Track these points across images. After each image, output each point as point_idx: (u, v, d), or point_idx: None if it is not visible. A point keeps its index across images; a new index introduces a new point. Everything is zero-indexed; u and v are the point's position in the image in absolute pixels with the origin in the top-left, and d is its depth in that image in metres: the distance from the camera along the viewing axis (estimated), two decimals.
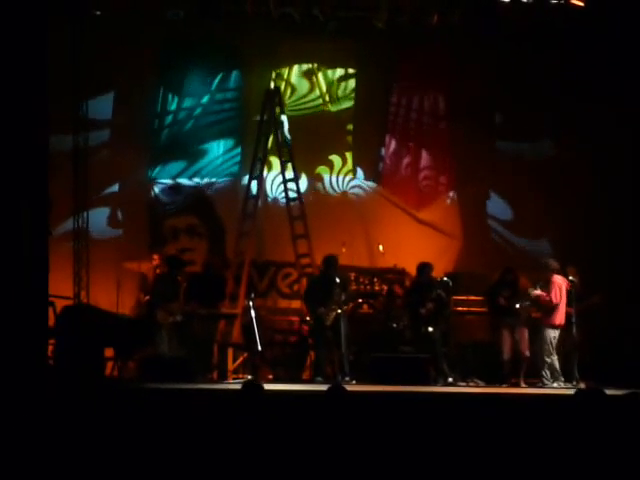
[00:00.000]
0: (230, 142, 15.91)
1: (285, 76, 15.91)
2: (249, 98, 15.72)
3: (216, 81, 15.86)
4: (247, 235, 14.71)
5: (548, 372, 12.73)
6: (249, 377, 13.34)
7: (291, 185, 14.90)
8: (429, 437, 7.09)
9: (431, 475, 6.71)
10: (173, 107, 15.84)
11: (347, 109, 16.07)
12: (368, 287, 14.64)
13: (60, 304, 13.18)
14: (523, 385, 12.86)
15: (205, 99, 15.84)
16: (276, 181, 15.60)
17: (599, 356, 13.26)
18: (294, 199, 14.84)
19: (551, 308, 12.83)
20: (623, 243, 14.50)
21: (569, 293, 12.91)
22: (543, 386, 12.69)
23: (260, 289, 15.32)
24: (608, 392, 7.09)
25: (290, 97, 15.84)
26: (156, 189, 15.68)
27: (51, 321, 12.65)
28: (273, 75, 15.78)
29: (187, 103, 15.81)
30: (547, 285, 12.90)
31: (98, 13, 14.40)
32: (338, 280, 13.06)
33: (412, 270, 14.01)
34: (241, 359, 14.07)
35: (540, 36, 14.57)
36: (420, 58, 15.74)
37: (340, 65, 16.00)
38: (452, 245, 15.82)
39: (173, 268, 13.60)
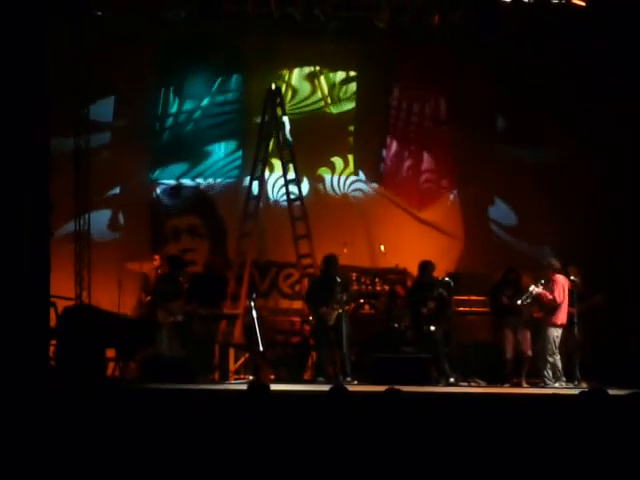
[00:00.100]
0: (231, 144, 15.90)
1: (286, 78, 15.91)
2: (250, 100, 15.71)
3: (217, 83, 15.85)
4: (248, 235, 14.71)
5: (550, 372, 12.72)
6: (250, 377, 13.35)
7: (292, 186, 14.90)
8: (430, 437, 7.08)
9: (433, 475, 6.70)
10: (174, 109, 15.83)
11: (349, 111, 16.06)
12: (370, 287, 14.63)
13: (61, 304, 13.19)
14: (525, 385, 12.86)
15: (206, 101, 15.82)
16: (277, 183, 15.60)
17: (601, 356, 13.25)
18: (295, 200, 14.84)
19: (554, 307, 12.83)
20: (624, 243, 14.48)
21: (571, 293, 12.92)
22: (545, 386, 12.68)
23: (261, 289, 15.32)
24: (610, 392, 7.09)
25: (291, 99, 15.83)
26: (158, 190, 15.68)
27: (52, 321, 12.65)
28: (274, 76, 15.79)
29: (188, 105, 15.80)
30: (548, 283, 12.90)
31: (99, 13, 14.39)
32: (339, 279, 13.07)
33: (414, 270, 14.00)
34: (242, 359, 14.07)
35: (541, 36, 14.56)
36: (421, 59, 15.72)
37: (341, 66, 15.99)
38: (453, 245, 15.81)
39: (174, 268, 13.60)
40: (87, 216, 14.18)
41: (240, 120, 15.90)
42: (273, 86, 15.09)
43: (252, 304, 13.37)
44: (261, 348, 13.05)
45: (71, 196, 13.96)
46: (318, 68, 15.99)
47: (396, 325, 13.78)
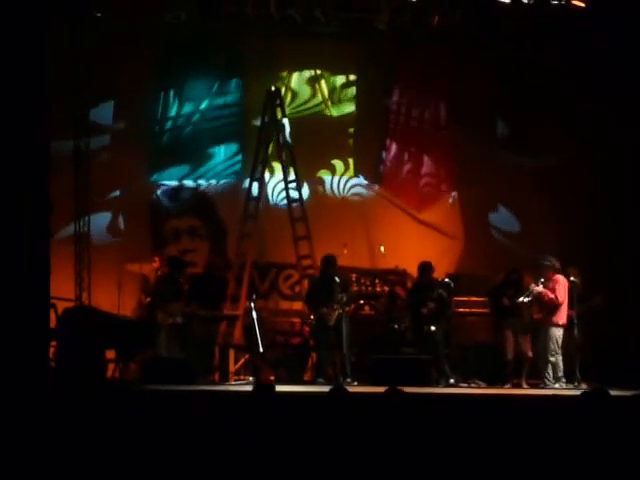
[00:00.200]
0: (232, 147, 15.89)
1: (286, 81, 15.89)
2: (250, 102, 15.71)
3: (217, 85, 15.84)
4: (248, 236, 14.71)
5: (551, 372, 12.71)
6: (250, 378, 13.35)
7: (292, 187, 14.90)
8: (431, 438, 7.07)
9: (434, 476, 6.70)
10: (174, 111, 15.82)
11: (349, 114, 16.06)
12: (369, 288, 14.63)
13: (61, 306, 13.18)
14: (525, 386, 12.86)
15: (206, 103, 15.80)
16: (277, 187, 15.60)
17: (601, 357, 13.25)
18: (295, 201, 14.84)
19: (555, 307, 12.82)
20: (624, 244, 14.47)
21: (570, 294, 12.91)
22: (545, 387, 12.67)
23: (261, 290, 15.32)
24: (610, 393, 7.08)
25: (291, 102, 15.82)
26: (158, 191, 15.67)
27: (52, 323, 12.65)
28: (273, 74, 15.77)
29: (188, 107, 15.79)
30: (548, 283, 12.90)
31: (99, 15, 14.38)
32: (338, 280, 13.08)
33: (413, 271, 13.99)
34: (242, 361, 14.08)
35: (541, 37, 14.56)
36: (421, 60, 15.75)
37: (341, 68, 15.98)
38: (453, 246, 15.81)
39: (174, 269, 13.60)
40: (87, 218, 14.18)
41: (240, 123, 15.89)
42: (273, 88, 15.10)
43: (252, 305, 13.37)
44: (261, 349, 13.05)
45: (71, 198, 13.96)
46: (319, 72, 15.98)
47: (396, 326, 13.78)
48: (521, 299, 12.85)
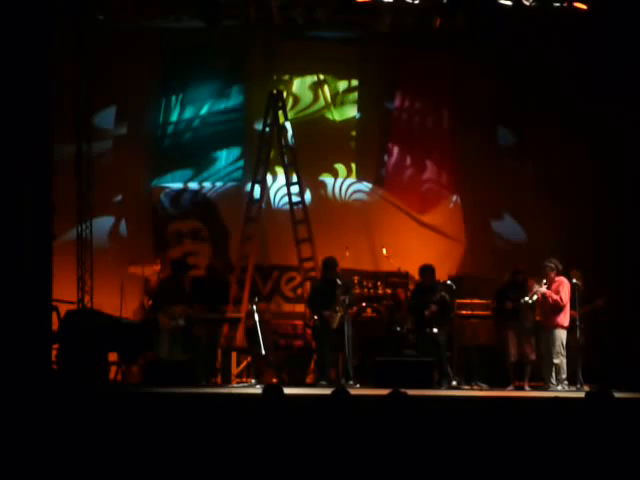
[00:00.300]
0: (234, 151, 15.88)
1: (288, 85, 15.88)
2: (252, 106, 15.72)
3: (219, 90, 15.84)
4: (250, 239, 14.72)
5: (555, 375, 12.71)
6: (253, 381, 13.36)
7: (294, 190, 14.91)
8: (433, 441, 7.07)
9: (436, 479, 6.69)
10: (176, 115, 15.82)
11: (352, 118, 16.06)
12: (372, 291, 14.62)
13: (64, 308, 13.18)
14: (527, 388, 12.86)
15: (208, 107, 15.81)
16: (280, 192, 15.60)
17: (603, 359, 13.24)
18: (297, 203, 14.85)
19: (560, 308, 12.82)
20: (626, 246, 14.44)
21: (573, 296, 12.91)
22: (548, 389, 12.67)
23: (264, 293, 15.32)
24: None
25: (294, 106, 15.81)
26: (160, 195, 15.67)
27: (55, 325, 12.66)
28: (275, 79, 15.77)
29: (190, 112, 15.80)
30: (551, 285, 12.90)
31: (101, 17, 14.36)
32: (340, 282, 13.07)
33: (416, 273, 13.97)
34: (245, 363, 14.10)
35: (543, 40, 14.54)
36: (422, 63, 15.77)
37: (343, 71, 15.99)
38: (455, 248, 15.82)
39: (177, 272, 13.61)
40: (89, 222, 14.14)
41: (242, 127, 15.88)
42: (275, 90, 15.11)
43: (254, 308, 13.38)
44: (263, 352, 13.07)
45: (74, 202, 13.94)
46: (322, 77, 15.98)
47: (398, 328, 13.78)
48: (526, 299, 12.84)
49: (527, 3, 13.28)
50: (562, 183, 15.09)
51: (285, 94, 15.38)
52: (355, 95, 16.04)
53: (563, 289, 12.85)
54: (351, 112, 16.07)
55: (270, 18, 14.08)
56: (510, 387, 12.83)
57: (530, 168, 15.70)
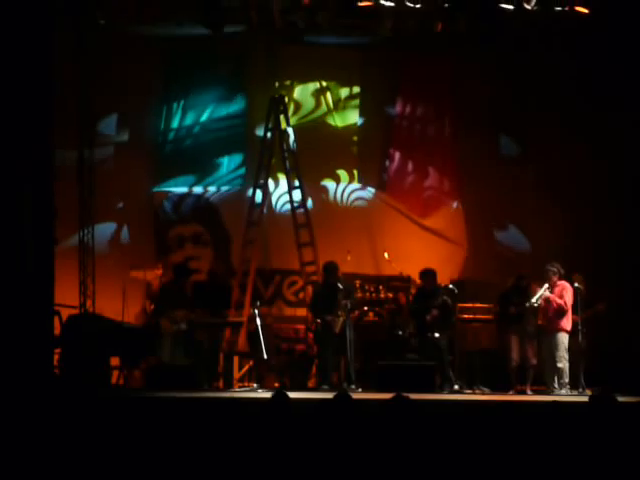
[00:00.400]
0: (236, 158, 15.87)
1: (290, 90, 15.88)
2: (254, 113, 15.72)
3: (220, 95, 15.84)
4: (252, 243, 14.73)
5: (557, 379, 12.70)
6: (255, 385, 13.35)
7: (296, 194, 14.91)
8: (435, 445, 7.06)
9: None
10: (177, 121, 15.81)
11: (353, 124, 16.06)
12: (374, 295, 14.62)
13: (66, 313, 13.20)
14: (529, 392, 12.85)
15: (210, 114, 15.80)
16: (282, 199, 15.60)
17: (605, 363, 13.23)
18: (299, 207, 14.86)
19: (563, 312, 12.81)
20: (627, 250, 14.41)
21: (575, 300, 12.91)
22: (551, 393, 12.65)
23: (265, 297, 15.33)
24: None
25: (296, 112, 15.81)
26: (163, 200, 15.66)
27: (57, 330, 12.66)
28: (277, 84, 15.77)
29: (191, 118, 15.80)
30: (554, 289, 12.89)
31: (102, 22, 14.36)
32: (342, 286, 13.07)
33: (418, 277, 13.98)
34: (247, 367, 14.09)
35: (545, 44, 14.55)
36: (424, 68, 15.78)
37: (344, 76, 15.99)
38: (457, 252, 15.82)
39: (178, 276, 13.61)
40: (91, 227, 14.14)
41: (244, 133, 15.87)
42: (276, 95, 15.12)
43: (256, 312, 13.37)
44: (265, 356, 13.06)
45: (77, 208, 13.94)
46: (325, 84, 15.98)
47: (400, 332, 13.78)
48: (532, 301, 12.83)
49: (528, 7, 13.27)
50: (563, 186, 15.06)
51: (287, 100, 15.39)
52: (357, 101, 16.05)
53: (567, 293, 12.85)
54: (353, 118, 16.08)
55: (272, 22, 14.08)
56: (512, 391, 12.82)
57: (531, 171, 15.69)
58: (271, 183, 15.40)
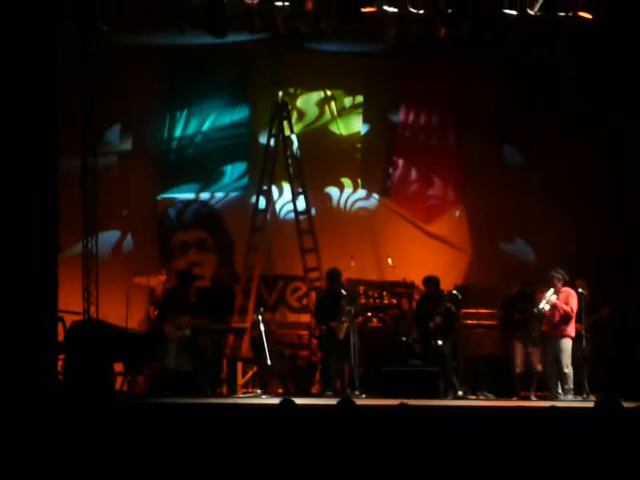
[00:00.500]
0: (240, 166, 15.85)
1: (293, 100, 15.88)
2: (258, 120, 15.72)
3: (224, 104, 15.84)
4: (256, 249, 14.75)
5: (562, 385, 12.68)
6: (259, 391, 13.35)
7: (300, 200, 14.93)
8: (439, 451, 7.06)
9: None
10: (180, 130, 15.80)
11: (357, 132, 16.06)
12: (377, 301, 14.63)
13: (69, 319, 13.19)
14: (533, 398, 12.83)
15: (214, 122, 15.79)
16: (286, 207, 15.60)
17: (609, 369, 13.21)
18: (302, 213, 14.87)
19: (569, 318, 12.80)
20: (630, 256, 14.39)
21: (579, 306, 12.90)
22: (556, 399, 12.62)
23: (269, 303, 15.33)
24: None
25: (300, 120, 15.82)
26: (167, 207, 15.66)
27: (60, 336, 12.66)
28: (280, 94, 15.76)
29: (195, 126, 15.80)
30: (559, 295, 12.89)
31: (105, 28, 14.36)
32: (345, 292, 13.07)
33: (421, 284, 13.98)
34: (250, 373, 14.10)
35: (548, 49, 14.55)
36: (427, 75, 15.79)
37: (348, 83, 15.99)
38: (461, 258, 15.82)
39: (182, 282, 13.61)
40: (95, 235, 14.13)
41: (248, 141, 15.86)
42: (280, 101, 15.13)
43: (260, 318, 13.39)
44: (269, 362, 13.06)
45: (81, 215, 13.94)
46: (329, 93, 15.99)
47: (404, 338, 13.77)
48: (540, 306, 12.81)
49: (532, 13, 13.27)
50: (566, 192, 15.05)
51: (290, 108, 15.40)
52: (361, 108, 16.05)
53: (572, 299, 12.84)
54: (357, 125, 16.07)
55: (275, 29, 14.10)
56: (516, 397, 12.80)
57: (534, 178, 15.70)
58: (275, 191, 15.41)
